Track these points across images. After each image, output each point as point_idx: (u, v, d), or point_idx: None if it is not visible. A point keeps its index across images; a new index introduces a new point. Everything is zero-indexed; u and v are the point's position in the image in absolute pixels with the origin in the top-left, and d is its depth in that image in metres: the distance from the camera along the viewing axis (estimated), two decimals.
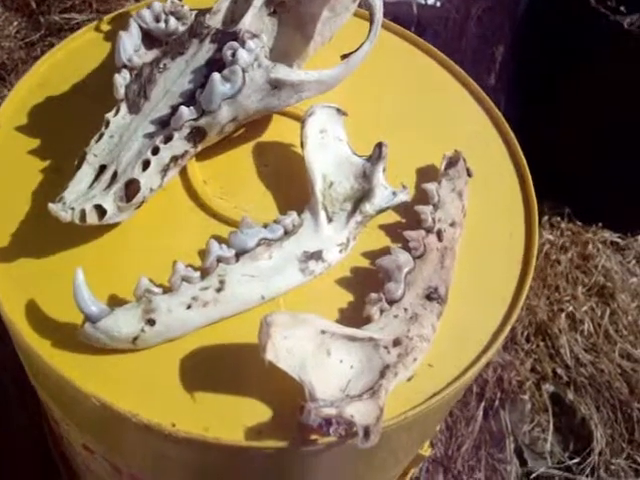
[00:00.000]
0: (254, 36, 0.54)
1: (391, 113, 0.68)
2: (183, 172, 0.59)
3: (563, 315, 1.19)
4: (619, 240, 1.31)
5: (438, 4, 1.23)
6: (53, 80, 0.66)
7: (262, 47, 0.54)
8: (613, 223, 1.32)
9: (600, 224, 1.31)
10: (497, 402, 1.11)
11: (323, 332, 0.49)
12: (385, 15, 0.75)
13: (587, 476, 1.07)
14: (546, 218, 1.27)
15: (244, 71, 0.52)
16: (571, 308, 1.19)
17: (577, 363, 1.16)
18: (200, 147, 0.56)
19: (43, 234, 0.54)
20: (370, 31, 0.58)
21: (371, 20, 0.58)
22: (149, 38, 0.58)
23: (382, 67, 0.71)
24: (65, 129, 0.62)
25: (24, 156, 0.60)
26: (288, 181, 0.60)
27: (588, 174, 1.26)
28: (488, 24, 1.25)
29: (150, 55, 0.57)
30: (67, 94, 0.65)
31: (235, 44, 0.53)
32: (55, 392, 0.56)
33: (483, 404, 1.11)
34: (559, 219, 1.29)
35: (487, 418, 1.10)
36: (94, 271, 0.51)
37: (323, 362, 0.48)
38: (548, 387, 1.15)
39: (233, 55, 0.53)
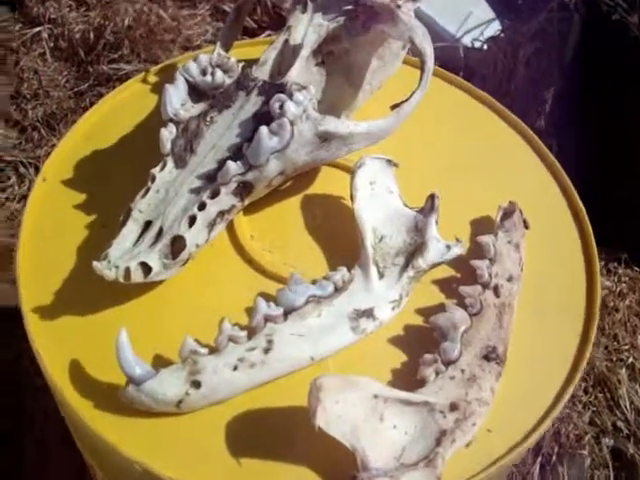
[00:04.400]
0: (302, 88, 0.53)
1: (443, 163, 0.66)
2: (230, 226, 0.58)
3: (622, 365, 1.14)
4: None
5: (485, 47, 1.21)
6: (100, 132, 0.66)
7: (310, 99, 0.52)
8: None
9: None
10: (554, 457, 1.06)
11: (376, 396, 0.46)
12: None
13: None
14: (602, 264, 1.22)
15: (292, 124, 0.51)
16: (631, 358, 1.14)
17: (638, 415, 1.10)
18: (247, 201, 0.55)
19: (88, 292, 0.53)
20: (421, 79, 0.56)
21: (422, 68, 0.57)
22: (196, 91, 0.57)
23: (432, 115, 0.69)
24: (112, 183, 0.61)
25: (70, 210, 0.60)
26: (338, 235, 0.58)
27: None
28: (537, 67, 1.23)
29: (197, 108, 0.56)
30: (114, 147, 0.65)
31: (283, 96, 0.52)
32: (98, 455, 0.55)
33: (540, 459, 1.05)
34: (616, 265, 1.24)
35: (544, 474, 1.05)
36: (139, 330, 0.50)
37: (376, 428, 0.46)
38: (608, 441, 1.09)
39: (281, 108, 0.51)
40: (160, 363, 0.49)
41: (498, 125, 0.70)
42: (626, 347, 1.15)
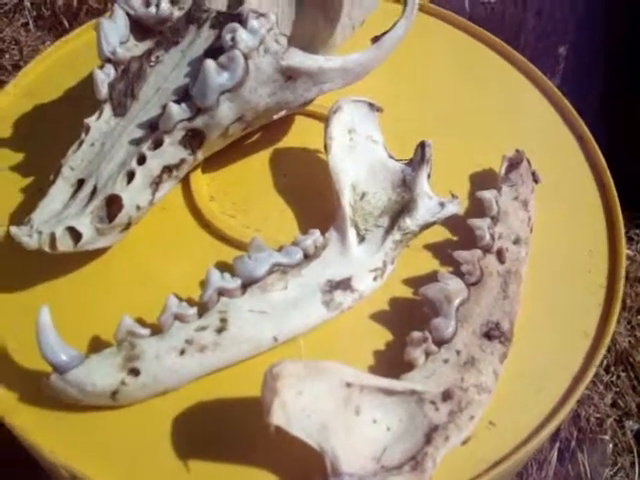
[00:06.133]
0: (260, 15, 0.44)
1: (438, 108, 0.57)
2: (186, 186, 0.50)
3: None
4: None
5: None
6: (43, 87, 0.58)
7: (270, 29, 0.43)
8: None
9: None
10: (574, 443, 0.97)
11: (349, 385, 0.38)
12: None
13: None
14: (623, 231, 1.13)
15: (246, 58, 0.42)
16: None
17: None
18: (201, 154, 0.46)
19: (13, 264, 0.45)
20: (405, 6, 0.47)
21: None
22: (140, 27, 0.48)
23: (427, 55, 0.60)
24: (54, 143, 0.52)
25: (4, 173, 0.51)
26: (313, 196, 0.50)
27: None
28: (549, 19, 1.13)
29: (141, 47, 0.48)
30: (59, 103, 0.57)
31: (236, 25, 0.43)
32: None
33: (558, 445, 0.97)
34: (637, 231, 1.14)
35: (563, 461, 0.96)
36: (73, 309, 0.44)
37: (350, 424, 0.37)
38: (632, 424, 1.01)
39: (233, 39, 0.43)
40: (98, 349, 0.41)
41: (503, 67, 0.61)
42: None
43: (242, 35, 0.42)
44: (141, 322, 0.42)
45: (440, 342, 0.41)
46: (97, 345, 0.42)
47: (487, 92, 0.59)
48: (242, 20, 0.44)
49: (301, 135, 0.53)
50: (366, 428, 0.38)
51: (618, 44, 1.10)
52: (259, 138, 0.52)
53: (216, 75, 0.42)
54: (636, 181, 1.07)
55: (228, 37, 0.43)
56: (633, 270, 1.10)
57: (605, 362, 1.03)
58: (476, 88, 0.59)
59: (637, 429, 1.00)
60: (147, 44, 0.48)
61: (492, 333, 0.42)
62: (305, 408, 0.36)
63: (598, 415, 1.00)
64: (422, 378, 0.40)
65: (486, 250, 0.45)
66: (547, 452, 0.97)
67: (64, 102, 0.57)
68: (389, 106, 0.51)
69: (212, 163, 0.50)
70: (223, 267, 0.43)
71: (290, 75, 0.44)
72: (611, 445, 0.99)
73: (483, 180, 0.51)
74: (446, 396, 0.39)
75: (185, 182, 0.49)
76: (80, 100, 0.56)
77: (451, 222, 0.48)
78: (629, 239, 1.14)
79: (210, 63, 0.41)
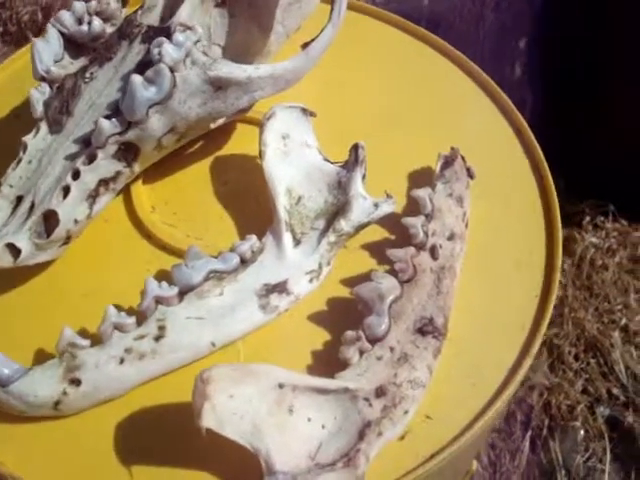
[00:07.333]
0: (187, 29, 0.45)
1: (375, 109, 0.57)
2: (127, 198, 0.50)
3: (615, 327, 1.06)
4: None
5: None
6: None
7: (197, 41, 0.44)
8: None
9: None
10: (545, 431, 0.99)
11: (281, 385, 0.39)
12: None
13: None
14: (588, 219, 1.14)
15: (172, 70, 0.43)
16: (624, 319, 1.06)
17: (635, 381, 1.02)
18: (138, 167, 0.47)
19: None
20: (332, 11, 0.48)
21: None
22: (75, 45, 0.49)
23: (362, 56, 0.61)
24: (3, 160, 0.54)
25: None
26: (252, 200, 0.51)
27: (635, 166, 1.12)
28: (507, 13, 1.14)
29: (76, 65, 0.49)
30: (5, 121, 0.57)
31: (162, 39, 0.44)
32: None
33: (529, 434, 0.98)
34: (603, 219, 1.15)
35: (535, 449, 0.98)
36: (17, 323, 0.45)
37: (284, 423, 0.38)
38: (603, 410, 1.02)
39: (160, 53, 0.44)
40: (42, 361, 0.42)
41: (438, 62, 0.61)
42: (618, 307, 1.07)
43: (168, 49, 0.43)
44: (84, 333, 0.43)
45: (374, 340, 0.42)
46: (41, 357, 0.43)
47: (423, 89, 0.59)
48: (169, 34, 0.45)
49: (241, 142, 0.54)
50: (301, 427, 0.39)
51: (573, 39, 1.11)
52: (199, 147, 0.53)
53: (143, 89, 0.43)
54: (600, 170, 1.09)
55: (155, 51, 0.44)
56: (599, 257, 1.11)
57: (574, 350, 1.04)
58: (412, 86, 0.59)
59: (608, 415, 1.02)
60: (82, 61, 0.49)
61: (425, 329, 0.43)
62: (237, 410, 0.37)
63: (569, 402, 1.01)
64: (355, 376, 0.41)
65: (419, 247, 0.46)
66: (519, 441, 0.98)
67: (12, 120, 0.58)
68: (325, 109, 0.52)
69: (153, 174, 0.51)
70: (164, 276, 0.44)
71: (219, 85, 0.45)
72: (582, 432, 1.00)
73: (421, 178, 0.52)
74: (379, 392, 0.40)
75: (126, 194, 0.50)
76: (27, 118, 0.57)
77: (388, 221, 0.49)
78: (595, 226, 1.15)
79: (136, 78, 0.42)
